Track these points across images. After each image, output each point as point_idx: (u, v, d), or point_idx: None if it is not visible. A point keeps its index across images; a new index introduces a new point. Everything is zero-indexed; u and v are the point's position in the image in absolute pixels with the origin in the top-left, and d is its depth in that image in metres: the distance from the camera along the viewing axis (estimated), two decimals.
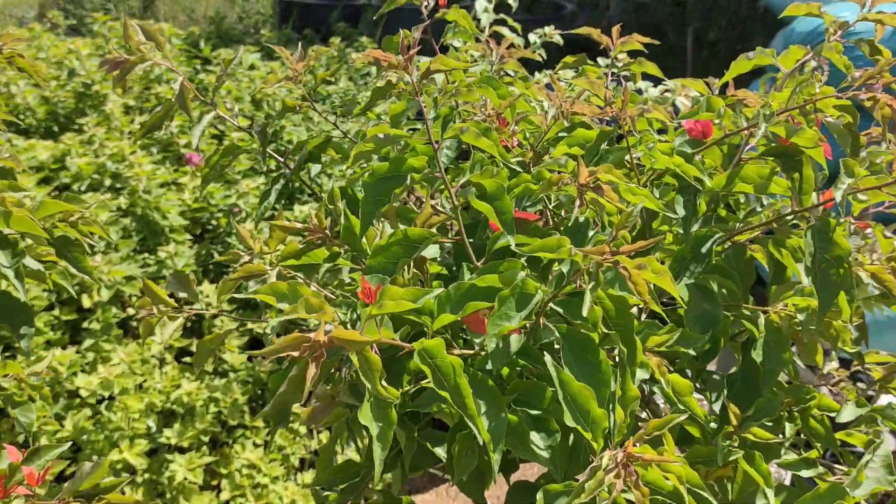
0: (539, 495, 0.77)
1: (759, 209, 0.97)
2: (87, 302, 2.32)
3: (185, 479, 2.02)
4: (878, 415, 0.93)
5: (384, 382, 0.71)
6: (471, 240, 0.95)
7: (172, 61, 1.14)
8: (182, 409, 2.19)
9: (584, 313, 0.71)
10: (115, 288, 2.31)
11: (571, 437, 0.88)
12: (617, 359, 0.82)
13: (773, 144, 0.94)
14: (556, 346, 0.85)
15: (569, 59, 1.17)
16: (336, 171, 2.10)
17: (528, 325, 0.84)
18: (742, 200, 1.09)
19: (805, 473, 0.84)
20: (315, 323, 0.76)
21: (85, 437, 2.06)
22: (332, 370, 0.87)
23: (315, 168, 1.15)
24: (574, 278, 0.78)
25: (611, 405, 0.77)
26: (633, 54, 1.25)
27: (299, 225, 0.97)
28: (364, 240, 0.94)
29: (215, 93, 1.15)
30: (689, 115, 0.93)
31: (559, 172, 0.85)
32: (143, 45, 1.09)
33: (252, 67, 4.30)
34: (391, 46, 1.09)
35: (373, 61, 0.92)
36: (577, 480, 0.73)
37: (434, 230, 0.91)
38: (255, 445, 2.24)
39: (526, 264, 0.84)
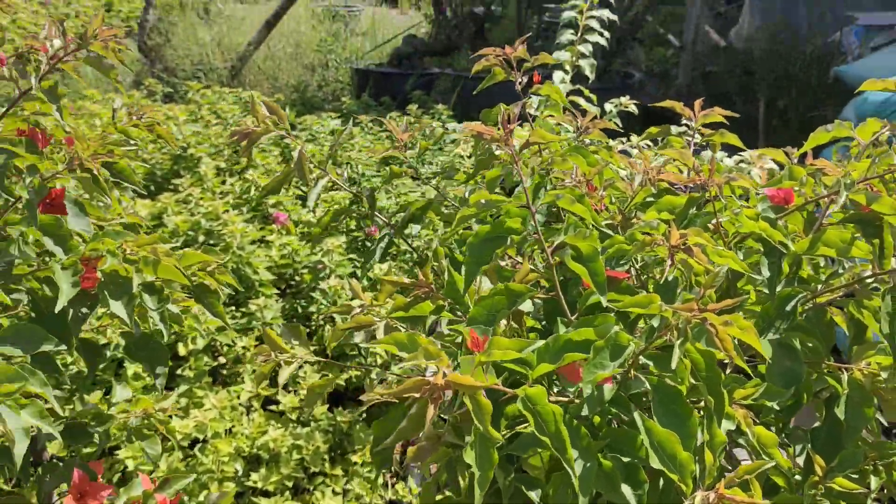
0: None
1: (840, 271, 1.02)
2: (182, 350, 2.47)
3: None
4: None
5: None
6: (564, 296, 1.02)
7: (290, 134, 1.27)
8: (267, 454, 2.29)
9: (673, 366, 0.78)
10: (210, 337, 2.45)
11: (661, 482, 0.94)
12: (702, 412, 0.88)
13: (853, 212, 1.00)
14: (645, 399, 0.91)
15: (653, 129, 1.26)
16: (422, 234, 2.20)
17: (618, 377, 0.91)
18: (822, 264, 1.14)
19: None
20: (423, 367, 0.85)
21: None
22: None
23: (415, 228, 1.25)
24: (662, 333, 0.85)
25: (697, 453, 0.82)
26: (711, 125, 1.33)
27: (407, 280, 1.06)
28: (466, 295, 1.03)
29: (328, 161, 1.26)
30: (773, 183, 1.00)
31: (650, 234, 0.93)
32: (267, 119, 1.23)
33: (333, 132, 4.52)
34: (490, 118, 1.19)
35: (475, 135, 1.02)
36: None
37: (530, 286, 0.99)
38: (335, 493, 2.32)
39: (616, 320, 0.91)
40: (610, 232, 1.05)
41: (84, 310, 0.94)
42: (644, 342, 0.87)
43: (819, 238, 0.94)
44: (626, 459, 0.90)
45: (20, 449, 0.83)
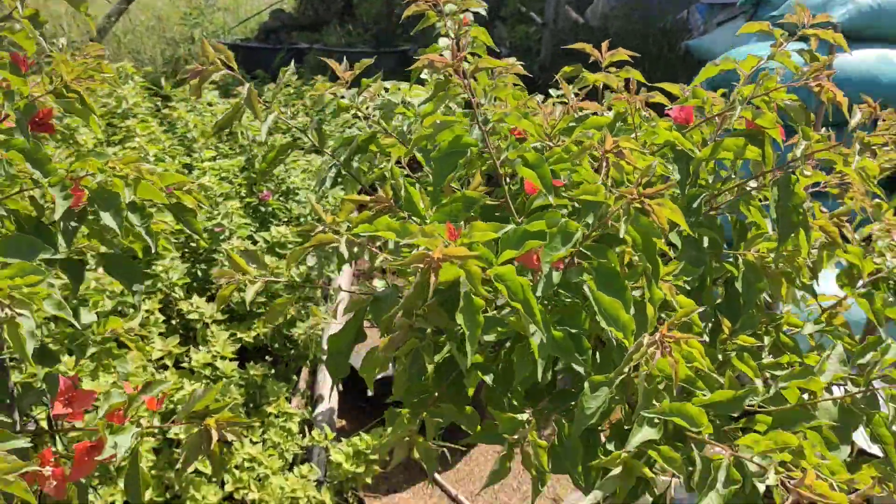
0: (586, 385, 0.99)
1: (733, 176, 1.24)
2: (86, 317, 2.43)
3: (196, 469, 2.15)
4: (829, 332, 1.19)
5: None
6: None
7: (239, 76, 1.34)
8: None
9: (622, 234, 0.94)
10: (116, 301, 2.43)
11: (598, 356, 1.11)
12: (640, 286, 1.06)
13: (741, 129, 1.21)
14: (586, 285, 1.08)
15: (567, 68, 1.43)
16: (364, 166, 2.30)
17: (565, 264, 1.07)
18: (711, 180, 1.36)
19: (778, 372, 1.09)
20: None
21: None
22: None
23: (356, 163, 1.37)
24: (605, 220, 1.02)
25: (637, 313, 1.00)
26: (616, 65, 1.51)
27: (368, 198, 1.17)
28: (421, 206, 1.16)
29: (273, 101, 1.35)
30: (680, 102, 1.19)
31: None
32: (217, 58, 1.30)
33: (210, 104, 4.47)
34: (433, 51, 1.32)
35: (427, 63, 1.15)
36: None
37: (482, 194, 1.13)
38: (253, 442, 2.38)
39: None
40: (549, 145, 1.21)
41: (73, 223, 0.99)
42: (588, 230, 1.03)
43: (719, 145, 1.14)
44: (573, 331, 1.06)
45: (30, 346, 0.88)
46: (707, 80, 1.35)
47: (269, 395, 2.55)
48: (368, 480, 2.48)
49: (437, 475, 3.02)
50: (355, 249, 1.21)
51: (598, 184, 0.99)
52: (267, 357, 2.80)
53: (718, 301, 1.19)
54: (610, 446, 1.09)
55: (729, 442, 0.93)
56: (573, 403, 1.09)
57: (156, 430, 1.11)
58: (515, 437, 0.97)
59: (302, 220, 3.29)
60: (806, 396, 1.06)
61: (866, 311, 1.18)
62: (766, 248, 1.17)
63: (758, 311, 1.17)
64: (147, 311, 2.63)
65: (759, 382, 1.04)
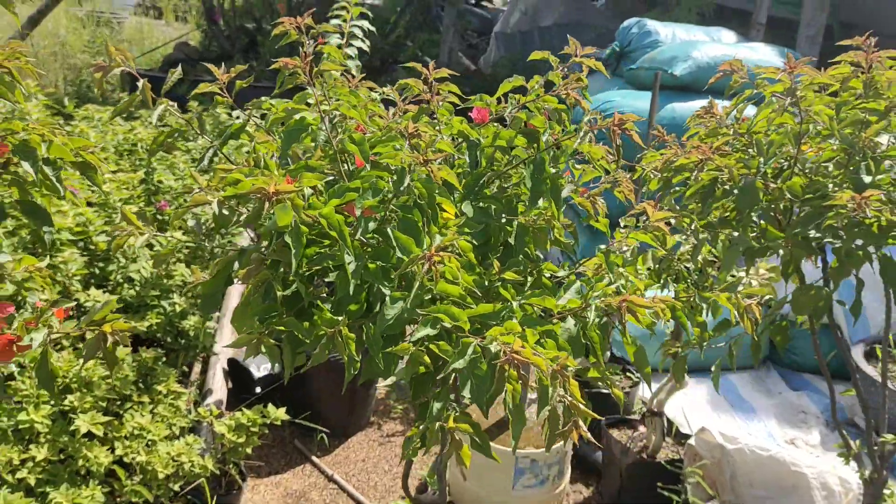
0: (387, 298, 1.37)
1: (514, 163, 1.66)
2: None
3: (89, 430, 2.41)
4: (584, 281, 1.61)
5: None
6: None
7: (134, 71, 1.69)
8: (80, 383, 2.57)
9: (405, 183, 1.34)
10: (15, 290, 2.67)
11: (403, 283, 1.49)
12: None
13: (521, 127, 1.64)
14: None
15: (402, 81, 1.84)
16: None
17: (379, 216, 1.46)
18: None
19: (537, 302, 1.49)
20: None
21: None
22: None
23: (234, 144, 1.72)
24: (405, 191, 1.41)
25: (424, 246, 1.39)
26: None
27: (234, 167, 1.53)
28: (275, 172, 1.53)
29: (162, 94, 1.70)
30: (474, 104, 1.61)
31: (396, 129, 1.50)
32: (118, 56, 1.64)
33: (111, 123, 4.71)
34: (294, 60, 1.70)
35: (283, 66, 1.53)
36: None
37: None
38: (142, 416, 2.65)
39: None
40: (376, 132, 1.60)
41: None
42: (394, 189, 1.42)
43: (497, 135, 1.56)
44: (384, 264, 1.45)
45: None
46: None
47: (160, 377, 2.82)
48: (249, 451, 2.76)
49: (316, 459, 3.33)
50: (225, 211, 1.56)
51: (398, 152, 1.39)
52: (159, 349, 3.05)
53: (499, 255, 1.60)
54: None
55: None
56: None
57: (63, 335, 1.40)
58: (329, 330, 1.33)
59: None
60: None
61: (601, 261, 1.61)
62: (535, 213, 1.59)
63: (527, 260, 1.58)
64: (45, 300, 2.86)
65: (516, 303, 1.44)
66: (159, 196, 3.57)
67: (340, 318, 1.35)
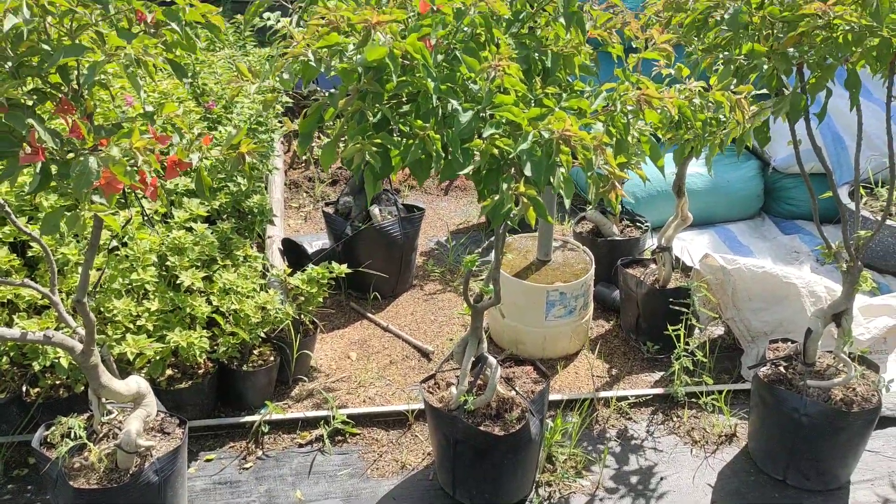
0: (460, 109, 1.78)
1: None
2: None
3: (192, 284, 2.86)
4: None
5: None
6: None
7: None
8: (173, 250, 3.01)
9: (471, 15, 1.73)
10: None
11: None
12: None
13: None
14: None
15: None
16: None
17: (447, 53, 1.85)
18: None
19: (574, 104, 1.90)
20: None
21: (108, 267, 2.84)
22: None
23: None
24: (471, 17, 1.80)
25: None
26: None
27: (324, 12, 1.91)
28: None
29: None
30: None
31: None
32: None
33: None
34: None
35: None
36: None
37: None
38: (229, 272, 3.09)
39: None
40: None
41: None
42: (454, 28, 1.81)
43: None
44: (453, 86, 1.85)
45: None
46: None
47: (237, 244, 3.26)
48: (321, 300, 3.22)
49: (370, 314, 3.81)
50: (320, 60, 1.95)
51: None
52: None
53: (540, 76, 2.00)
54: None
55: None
56: None
57: (208, 156, 1.80)
58: (421, 133, 1.74)
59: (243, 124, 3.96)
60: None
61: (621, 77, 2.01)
62: (563, 43, 1.98)
63: (562, 79, 1.98)
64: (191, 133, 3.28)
65: (557, 108, 1.85)
66: (205, 97, 3.94)
67: (430, 126, 1.76)
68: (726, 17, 2.17)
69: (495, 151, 1.77)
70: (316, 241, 4.08)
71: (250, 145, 1.81)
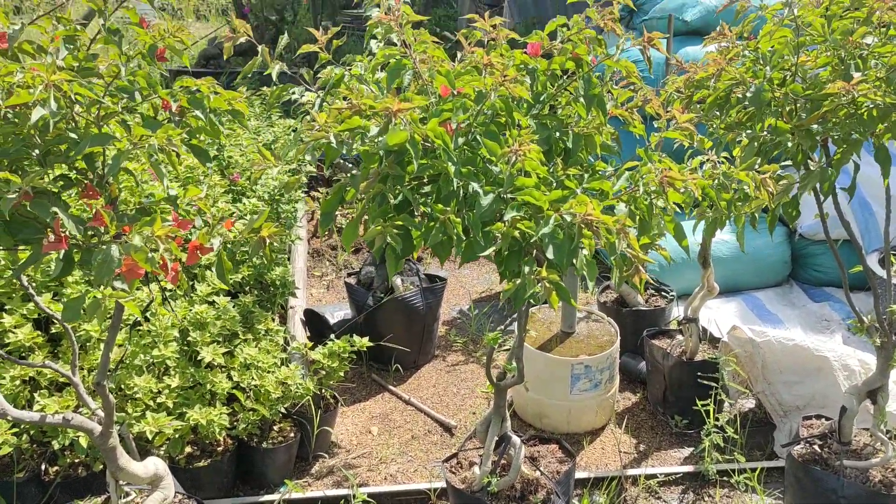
0: (480, 192, 1.77)
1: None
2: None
3: (211, 360, 2.84)
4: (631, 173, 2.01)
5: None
6: None
7: (254, 41, 2.09)
8: (195, 324, 3.00)
9: (491, 101, 1.73)
10: None
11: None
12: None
13: (569, 55, 2.02)
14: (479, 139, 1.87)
15: (466, 29, 2.23)
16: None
17: (470, 132, 1.85)
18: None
19: (596, 185, 1.89)
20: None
21: (130, 343, 2.84)
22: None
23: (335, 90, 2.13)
24: (487, 100, 1.81)
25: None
26: None
27: (345, 104, 1.93)
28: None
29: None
30: (529, 40, 2.00)
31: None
32: (242, 29, 2.05)
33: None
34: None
35: (376, 21, 1.93)
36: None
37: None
38: (250, 347, 3.08)
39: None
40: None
41: None
42: (476, 107, 1.82)
43: (552, 61, 1.95)
44: (473, 168, 1.85)
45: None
46: None
47: (259, 317, 3.25)
48: (342, 374, 3.19)
49: (392, 387, 3.76)
50: (342, 142, 1.96)
51: (480, 79, 1.78)
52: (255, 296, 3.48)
53: (562, 156, 1.99)
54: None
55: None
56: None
57: (230, 241, 1.81)
58: (441, 217, 1.73)
59: (267, 196, 4.00)
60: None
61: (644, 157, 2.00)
62: (584, 123, 1.98)
63: (581, 162, 1.97)
64: (214, 216, 3.30)
65: (579, 191, 1.84)
66: (230, 170, 3.99)
67: (450, 209, 1.75)
68: (748, 94, 2.17)
69: (516, 234, 1.75)
70: (338, 311, 4.07)
71: (272, 229, 1.81)
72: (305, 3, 8.34)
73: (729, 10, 2.41)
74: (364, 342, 3.24)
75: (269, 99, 2.22)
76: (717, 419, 3.10)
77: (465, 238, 1.77)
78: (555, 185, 1.90)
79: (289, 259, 4.60)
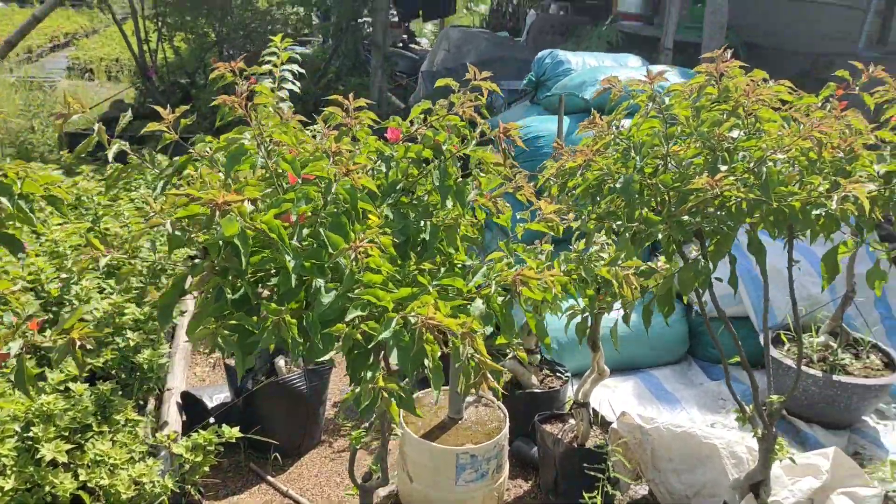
0: (322, 289, 1.63)
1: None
2: None
3: (54, 458, 2.57)
4: (489, 267, 1.91)
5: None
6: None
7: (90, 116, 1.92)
8: (41, 417, 2.72)
9: (332, 193, 1.61)
10: None
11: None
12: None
13: (430, 142, 1.93)
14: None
15: (329, 109, 2.11)
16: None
17: (311, 222, 1.72)
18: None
19: (448, 282, 1.77)
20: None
21: None
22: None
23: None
24: (333, 193, 1.68)
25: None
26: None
27: (182, 192, 1.78)
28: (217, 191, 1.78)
29: (115, 135, 1.94)
30: (388, 125, 1.90)
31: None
32: (76, 105, 1.88)
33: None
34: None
35: (222, 102, 1.80)
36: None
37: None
38: (104, 443, 2.81)
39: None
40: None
41: None
42: (323, 198, 1.69)
43: (409, 149, 1.85)
44: (317, 262, 1.71)
45: None
46: None
47: (118, 407, 2.99)
48: (206, 469, 2.94)
49: (271, 478, 3.51)
50: (178, 232, 1.80)
51: (325, 166, 1.66)
52: (115, 383, 3.22)
53: (417, 251, 1.87)
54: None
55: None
56: None
57: (36, 343, 1.60)
58: (276, 317, 1.58)
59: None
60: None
61: (505, 250, 1.90)
62: (444, 214, 1.88)
63: (440, 254, 1.86)
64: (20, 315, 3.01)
65: (431, 287, 1.72)
66: (111, 241, 3.75)
67: (283, 308, 1.60)
68: (618, 185, 2.11)
69: (359, 337, 1.61)
70: (218, 394, 3.81)
71: (84, 330, 1.62)
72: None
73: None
74: (234, 432, 3.02)
75: (106, 181, 2.04)
76: None
77: (301, 342, 1.62)
78: (407, 278, 1.78)
79: (172, 336, 4.34)
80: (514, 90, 7.44)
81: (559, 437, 3.39)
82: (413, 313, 1.54)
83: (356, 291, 1.65)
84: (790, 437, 4.11)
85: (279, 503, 3.36)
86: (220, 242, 1.68)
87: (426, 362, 1.57)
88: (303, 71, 3.26)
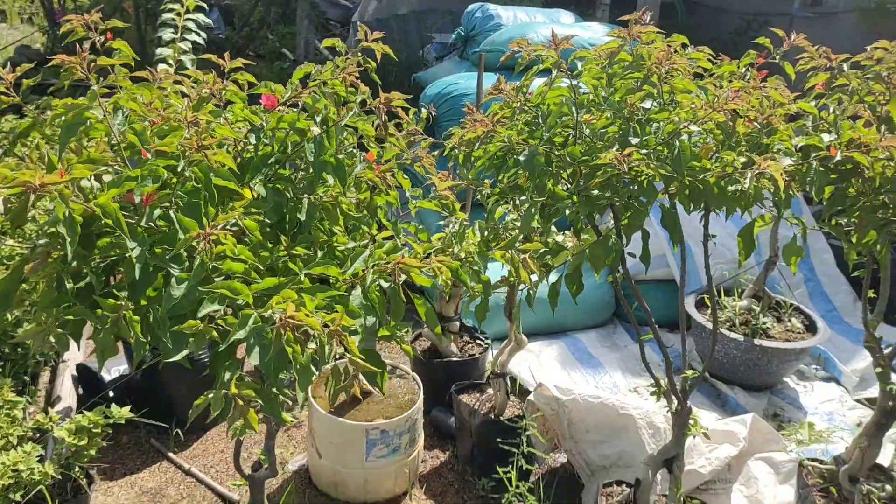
0: (172, 279, 1.43)
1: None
2: None
3: None
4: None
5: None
6: None
7: None
8: None
9: (180, 168, 1.40)
10: None
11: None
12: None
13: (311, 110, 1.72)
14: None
15: (194, 73, 1.88)
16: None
17: (165, 202, 1.51)
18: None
19: (319, 271, 1.59)
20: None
21: None
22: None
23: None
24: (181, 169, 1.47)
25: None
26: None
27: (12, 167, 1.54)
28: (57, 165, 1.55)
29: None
30: (261, 90, 1.68)
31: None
32: None
33: None
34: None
35: (60, 62, 1.55)
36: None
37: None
38: None
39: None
40: None
41: None
42: (175, 175, 1.48)
43: (280, 119, 1.64)
44: (168, 248, 1.50)
45: None
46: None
47: None
48: (93, 452, 2.74)
49: (172, 455, 3.33)
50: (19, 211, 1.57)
51: (180, 140, 1.44)
52: None
53: (294, 232, 1.68)
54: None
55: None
56: None
57: None
58: (115, 313, 1.38)
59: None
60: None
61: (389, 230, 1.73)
62: (322, 191, 1.68)
63: (321, 235, 1.67)
64: None
65: (302, 275, 1.53)
66: None
67: (123, 303, 1.40)
68: (521, 158, 1.94)
69: (215, 334, 1.42)
70: (120, 365, 3.59)
71: None
72: (131, 11, 7.67)
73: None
74: (124, 412, 2.81)
75: None
76: (518, 486, 2.88)
77: (144, 340, 1.42)
78: (278, 265, 1.59)
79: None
80: (446, 44, 7.18)
81: (476, 407, 3.28)
82: (273, 309, 1.36)
83: (217, 284, 1.46)
84: (711, 400, 4.09)
85: (181, 482, 3.19)
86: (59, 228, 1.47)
87: (293, 364, 1.39)
88: (209, 21, 2.99)
